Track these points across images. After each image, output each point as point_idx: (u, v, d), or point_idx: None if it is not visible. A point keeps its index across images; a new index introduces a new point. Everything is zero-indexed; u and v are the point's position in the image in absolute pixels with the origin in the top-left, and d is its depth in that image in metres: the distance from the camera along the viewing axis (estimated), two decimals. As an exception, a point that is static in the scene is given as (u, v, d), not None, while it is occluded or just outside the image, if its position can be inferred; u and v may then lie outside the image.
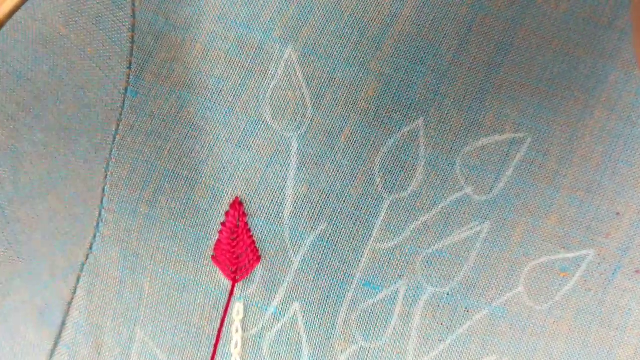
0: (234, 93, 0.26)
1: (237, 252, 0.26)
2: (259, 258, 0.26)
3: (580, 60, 0.26)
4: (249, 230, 0.26)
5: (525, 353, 0.27)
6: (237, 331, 0.26)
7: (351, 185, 0.26)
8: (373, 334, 0.26)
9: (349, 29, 0.26)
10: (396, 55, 0.26)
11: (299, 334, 0.26)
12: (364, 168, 0.26)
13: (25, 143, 0.26)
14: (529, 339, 0.27)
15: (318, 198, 0.26)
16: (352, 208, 0.26)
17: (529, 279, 0.27)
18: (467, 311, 0.26)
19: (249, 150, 0.26)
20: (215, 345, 0.25)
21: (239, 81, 0.26)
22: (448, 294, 0.26)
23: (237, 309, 0.26)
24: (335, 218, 0.26)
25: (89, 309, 0.26)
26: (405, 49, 0.26)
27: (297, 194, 0.26)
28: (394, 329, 0.26)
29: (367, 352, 0.26)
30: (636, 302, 0.27)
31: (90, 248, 0.26)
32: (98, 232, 0.26)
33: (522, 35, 0.26)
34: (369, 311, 0.26)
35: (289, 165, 0.26)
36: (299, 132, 0.26)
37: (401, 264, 0.26)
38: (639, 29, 0.20)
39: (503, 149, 0.26)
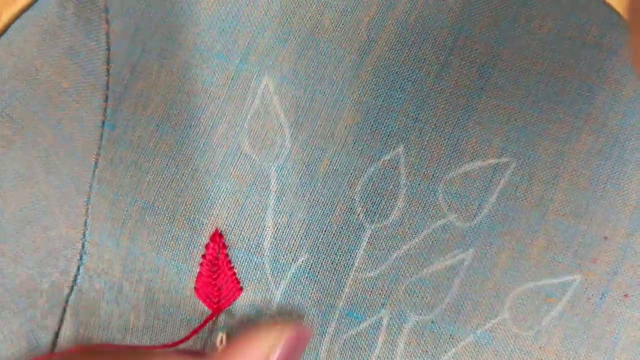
0: (211, 123, 0.26)
1: (219, 284, 0.26)
2: (240, 289, 0.26)
3: (566, 82, 0.25)
4: (230, 262, 0.26)
5: (511, 379, 0.27)
6: (220, 362, 0.26)
7: (332, 215, 0.26)
8: (357, 362, 0.26)
9: (325, 57, 0.25)
10: (374, 83, 0.25)
11: (282, 364, 0.26)
12: (344, 197, 0.26)
13: (8, 176, 0.26)
14: (515, 365, 0.26)
15: (298, 228, 0.26)
16: (333, 238, 0.26)
17: (514, 305, 0.26)
18: (452, 338, 0.26)
19: (227, 180, 0.26)
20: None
21: (216, 111, 0.26)
22: (432, 322, 0.26)
23: (220, 338, 0.26)
24: (316, 248, 0.26)
25: (77, 341, 0.27)
26: (384, 75, 0.25)
27: (277, 224, 0.26)
28: (378, 357, 0.26)
29: (350, 381, 0.26)
30: (624, 326, 0.26)
31: (75, 280, 0.27)
32: (82, 265, 0.26)
33: (505, 57, 0.25)
34: (353, 341, 0.26)
35: (268, 195, 0.26)
36: (277, 162, 0.26)
37: (384, 292, 0.26)
38: (635, 30, 0.20)
39: (486, 174, 0.26)
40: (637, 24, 0.19)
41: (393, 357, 0.26)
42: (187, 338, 0.25)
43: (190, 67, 0.25)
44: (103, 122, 0.26)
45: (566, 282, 0.26)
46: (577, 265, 0.26)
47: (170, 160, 0.26)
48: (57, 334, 0.27)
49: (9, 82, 0.26)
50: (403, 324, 0.26)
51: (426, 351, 0.26)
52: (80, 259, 0.26)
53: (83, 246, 0.26)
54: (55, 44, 0.26)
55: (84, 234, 0.26)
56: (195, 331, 0.26)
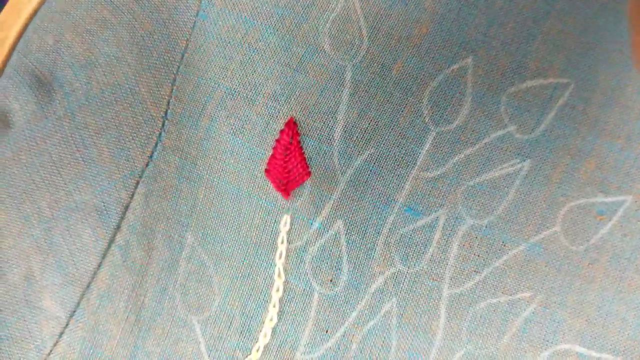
0: (296, 22, 0.28)
1: (289, 166, 0.27)
2: (308, 173, 0.27)
3: (624, 14, 0.28)
4: (301, 148, 0.27)
5: (559, 292, 0.27)
6: (282, 242, 0.27)
7: (399, 115, 0.27)
8: (411, 258, 0.27)
9: (408, -31, 0.28)
10: (451, -4, 0.27)
11: (340, 251, 0.27)
12: (412, 100, 0.27)
13: (100, 56, 0.28)
14: (564, 278, 0.27)
15: (367, 124, 0.27)
16: (399, 136, 0.27)
17: (566, 219, 0.27)
18: (504, 245, 0.27)
19: (306, 75, 0.28)
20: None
21: (302, 11, 0.28)
22: (486, 227, 0.27)
23: (285, 220, 0.27)
24: (382, 144, 0.27)
25: (144, 213, 0.28)
26: None
27: (348, 119, 0.27)
28: (432, 256, 0.27)
29: (404, 276, 0.27)
30: (672, 250, 0.27)
31: (151, 156, 0.28)
32: (160, 141, 0.28)
33: (571, -14, 0.28)
34: (409, 236, 0.27)
35: (342, 91, 0.27)
36: (354, 61, 0.28)
37: (443, 193, 0.27)
38: (636, 29, 0.21)
39: (547, 92, 0.27)
40: (638, 23, 0.21)
41: (447, 257, 0.27)
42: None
43: (282, -30, 0.28)
44: (197, 12, 0.28)
45: (617, 201, 0.27)
46: (628, 186, 0.27)
47: (254, 52, 0.28)
48: (127, 207, 0.28)
49: (117, -31, 0.28)
50: (458, 226, 0.27)
51: (479, 255, 0.27)
52: (159, 135, 0.28)
53: (163, 124, 0.28)
54: (163, -62, 0.28)
55: (165, 113, 0.28)
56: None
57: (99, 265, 0.28)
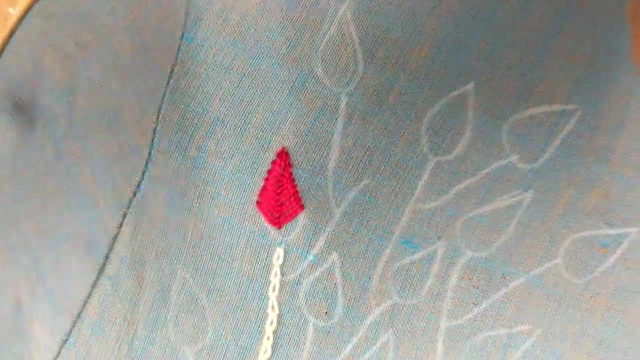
0: (287, 46, 0.26)
1: (281, 199, 0.26)
2: (302, 206, 0.26)
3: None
4: (294, 180, 0.26)
5: (559, 326, 0.27)
6: (275, 275, 0.26)
7: (397, 144, 0.26)
8: (408, 291, 0.27)
9: (406, -12, 0.26)
10: (452, 18, 0.26)
11: (335, 284, 0.26)
12: (410, 128, 0.26)
13: (82, 81, 0.27)
14: (565, 311, 0.27)
15: (363, 154, 0.26)
16: (396, 166, 0.26)
17: (568, 252, 0.26)
18: (504, 278, 0.26)
19: (298, 102, 0.26)
20: None
21: (293, 35, 0.26)
22: (486, 259, 0.26)
23: (278, 254, 0.26)
24: (378, 174, 0.26)
25: (133, 245, 0.27)
26: (462, 12, 0.26)
27: (343, 148, 0.26)
28: (430, 288, 0.27)
29: (401, 309, 0.27)
30: (677, 283, 0.26)
31: (138, 186, 0.27)
32: (147, 172, 0.27)
33: (583, 3, 0.26)
34: (406, 269, 0.26)
35: (336, 119, 0.26)
36: (348, 88, 0.26)
37: (441, 225, 0.26)
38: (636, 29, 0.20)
39: (552, 119, 0.26)
40: (638, 23, 0.19)
41: (445, 290, 0.27)
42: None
43: (273, -12, 0.26)
44: (182, 35, 0.26)
45: (622, 234, 0.26)
46: (633, 218, 0.26)
47: (243, 77, 0.26)
48: (115, 238, 0.27)
49: (97, -12, 0.27)
50: (458, 259, 0.26)
51: (477, 287, 0.27)
52: (146, 165, 0.27)
53: (150, 154, 0.27)
54: (145, -46, 0.26)
55: (152, 142, 0.27)
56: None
57: (90, 295, 0.27)
